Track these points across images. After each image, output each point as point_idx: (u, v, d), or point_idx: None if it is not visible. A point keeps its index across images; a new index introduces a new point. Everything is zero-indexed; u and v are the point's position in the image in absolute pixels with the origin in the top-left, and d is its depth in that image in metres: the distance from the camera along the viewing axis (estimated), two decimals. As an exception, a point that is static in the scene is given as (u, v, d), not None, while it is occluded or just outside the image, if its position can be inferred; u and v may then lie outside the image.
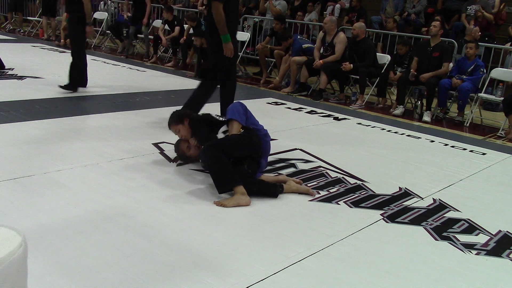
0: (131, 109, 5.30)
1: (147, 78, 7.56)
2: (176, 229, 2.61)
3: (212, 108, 4.45)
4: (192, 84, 7.51)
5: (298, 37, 8.15)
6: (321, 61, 7.18)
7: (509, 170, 4.49)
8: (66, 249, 2.30)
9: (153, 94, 6.38)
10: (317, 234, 2.72)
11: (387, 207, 3.20)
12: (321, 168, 3.89)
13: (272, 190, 3.16)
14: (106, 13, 11.82)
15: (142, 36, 9.87)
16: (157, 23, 10.27)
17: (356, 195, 3.37)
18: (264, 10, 10.04)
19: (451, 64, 6.92)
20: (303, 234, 2.70)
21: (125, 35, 10.03)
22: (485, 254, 2.70)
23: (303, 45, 7.80)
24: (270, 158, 3.92)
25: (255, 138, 3.28)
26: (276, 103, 6.49)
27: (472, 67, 6.43)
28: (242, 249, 2.47)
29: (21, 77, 5.91)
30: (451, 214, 3.21)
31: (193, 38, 8.33)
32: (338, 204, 3.19)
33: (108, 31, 11.18)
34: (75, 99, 5.56)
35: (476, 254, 2.69)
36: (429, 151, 4.84)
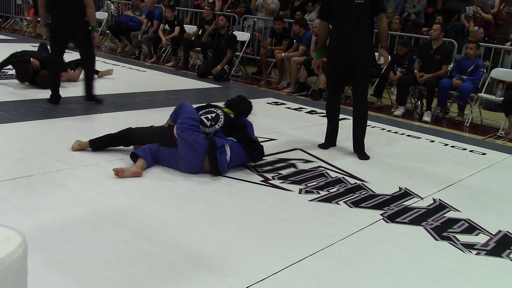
0: (131, 109, 5.30)
1: (147, 78, 7.56)
2: (176, 229, 2.61)
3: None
4: (192, 84, 7.54)
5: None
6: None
7: (509, 170, 4.48)
8: (66, 249, 2.30)
9: (153, 94, 6.38)
10: (317, 234, 2.72)
11: (387, 207, 3.20)
12: (321, 168, 3.89)
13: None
14: (106, 13, 11.80)
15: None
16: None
17: (356, 195, 3.37)
18: (255, 8, 9.97)
19: (450, 65, 6.93)
20: (303, 234, 2.70)
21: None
22: (485, 254, 2.70)
23: None
24: (270, 158, 3.93)
25: (165, 135, 3.64)
26: (276, 103, 6.49)
27: (472, 67, 6.44)
28: (242, 249, 2.47)
29: (21, 77, 5.91)
30: (451, 214, 3.21)
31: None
32: (338, 204, 3.19)
33: (108, 31, 11.16)
34: (75, 99, 5.56)
35: (476, 254, 2.69)
36: (429, 151, 4.84)
